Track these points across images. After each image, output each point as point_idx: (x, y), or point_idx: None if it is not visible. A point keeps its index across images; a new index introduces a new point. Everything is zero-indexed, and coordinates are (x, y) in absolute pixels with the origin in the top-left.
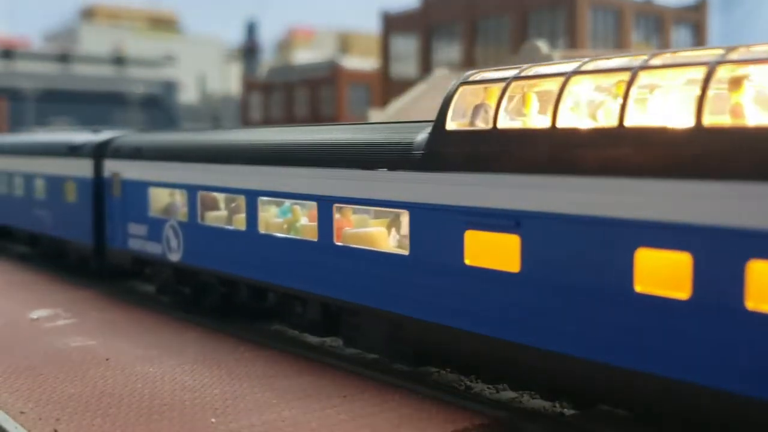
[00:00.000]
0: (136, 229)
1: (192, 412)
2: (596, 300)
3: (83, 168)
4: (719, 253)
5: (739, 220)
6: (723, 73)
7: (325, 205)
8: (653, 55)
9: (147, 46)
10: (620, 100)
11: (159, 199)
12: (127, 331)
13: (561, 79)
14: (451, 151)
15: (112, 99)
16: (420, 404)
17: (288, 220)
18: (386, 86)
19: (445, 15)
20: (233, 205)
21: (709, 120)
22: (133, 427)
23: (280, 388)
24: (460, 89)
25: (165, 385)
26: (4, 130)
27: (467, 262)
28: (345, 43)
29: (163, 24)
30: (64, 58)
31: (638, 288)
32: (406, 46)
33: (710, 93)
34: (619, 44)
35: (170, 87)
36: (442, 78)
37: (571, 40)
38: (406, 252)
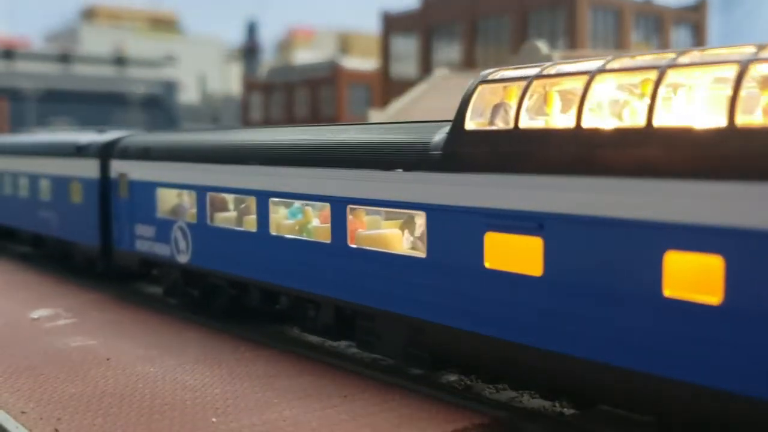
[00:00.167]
0: (143, 230)
1: (193, 411)
2: (623, 305)
3: (89, 168)
4: (753, 256)
5: None
6: (754, 71)
7: (339, 207)
8: (681, 53)
9: (147, 46)
10: (647, 100)
11: (167, 200)
12: (128, 330)
13: (585, 78)
14: (470, 151)
15: (112, 99)
16: (420, 404)
17: (299, 221)
18: (386, 86)
19: (445, 15)
20: (243, 206)
21: (741, 120)
22: (134, 426)
23: (280, 387)
24: (479, 88)
25: (166, 384)
26: (4, 130)
27: (487, 265)
28: (345, 43)
29: (164, 24)
30: (64, 58)
31: (667, 292)
32: (406, 46)
33: (742, 92)
34: (619, 44)
35: (171, 87)
36: (442, 78)
37: (571, 40)
38: (422, 254)
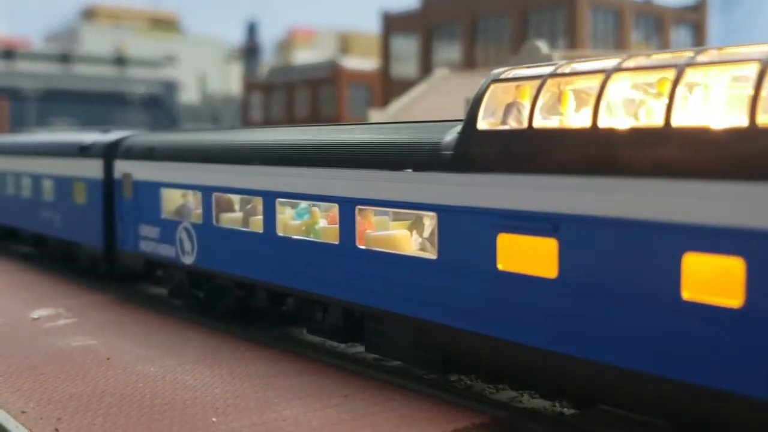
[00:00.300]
0: (147, 231)
1: (193, 411)
2: (640, 307)
3: (93, 168)
4: None
5: None
6: None
7: (347, 207)
8: (699, 52)
9: (148, 46)
10: (665, 99)
11: (172, 200)
12: (128, 330)
13: (601, 76)
14: (482, 151)
15: (112, 99)
16: (421, 404)
17: (306, 222)
18: (386, 86)
19: (445, 15)
20: (248, 206)
21: (763, 119)
22: (134, 426)
23: (281, 387)
24: (491, 87)
25: (166, 384)
26: (4, 130)
27: (500, 266)
28: (345, 43)
29: (164, 24)
30: (64, 58)
31: (686, 295)
32: (406, 47)
33: (763, 91)
34: (619, 44)
35: (171, 87)
36: (442, 78)
37: (571, 40)
38: (433, 256)
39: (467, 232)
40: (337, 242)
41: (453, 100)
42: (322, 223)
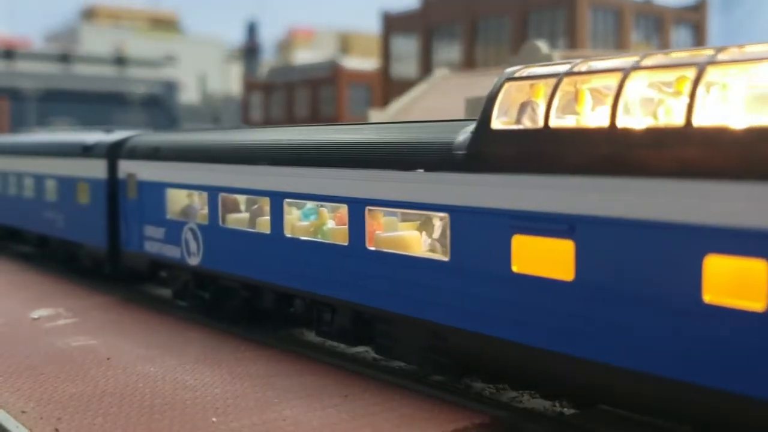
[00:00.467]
0: (152, 231)
1: (193, 411)
2: (660, 311)
3: (96, 169)
4: None
5: None
6: None
7: (357, 208)
8: (719, 50)
9: (148, 46)
10: (686, 98)
11: (177, 200)
12: (129, 330)
13: (619, 75)
14: (497, 151)
15: (112, 99)
16: (421, 404)
17: (314, 222)
18: (386, 86)
19: (445, 15)
20: (255, 207)
21: None
22: (134, 426)
23: (281, 387)
24: (506, 86)
25: (166, 384)
26: (5, 130)
27: (514, 269)
28: (345, 43)
29: (164, 24)
30: (64, 58)
31: (707, 298)
32: (406, 47)
33: None
34: (619, 44)
35: (171, 87)
36: (442, 78)
37: (571, 40)
38: (445, 258)
39: (480, 234)
40: (346, 243)
41: (453, 100)
42: (330, 223)
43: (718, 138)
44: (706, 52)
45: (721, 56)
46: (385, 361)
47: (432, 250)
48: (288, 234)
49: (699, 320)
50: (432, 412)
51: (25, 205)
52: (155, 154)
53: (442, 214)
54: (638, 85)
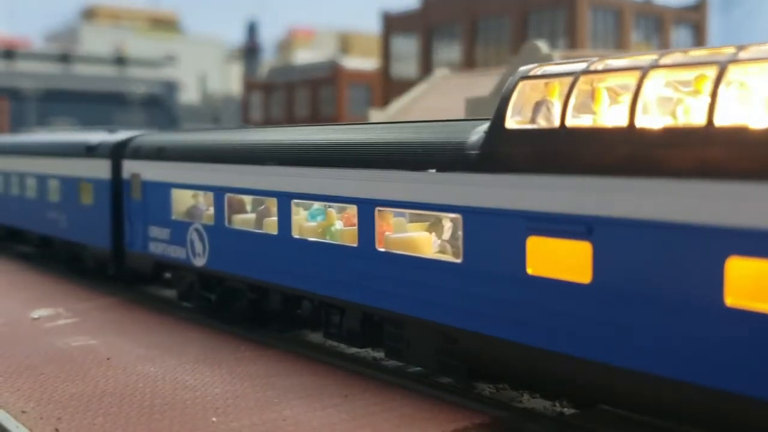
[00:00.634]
0: (157, 232)
1: (193, 411)
2: (680, 314)
3: (100, 169)
4: None
5: None
6: None
7: (367, 209)
8: (740, 48)
9: (148, 46)
10: (707, 97)
11: (182, 201)
12: (129, 330)
13: (638, 73)
14: (511, 151)
15: (113, 99)
16: (421, 404)
17: (322, 223)
18: (386, 86)
19: (445, 15)
20: (261, 207)
21: None
22: (134, 426)
23: (281, 387)
24: (520, 84)
25: (166, 384)
26: (5, 130)
27: (530, 271)
28: (345, 43)
29: (164, 24)
30: (65, 58)
31: (729, 301)
32: (406, 46)
33: None
34: (619, 44)
35: (171, 87)
36: (442, 78)
37: (571, 40)
38: (458, 259)
39: (494, 235)
40: (355, 244)
41: (453, 100)
42: (339, 224)
43: (741, 138)
44: (726, 51)
45: (742, 54)
46: (385, 361)
47: (442, 251)
48: (296, 235)
49: (721, 324)
50: (432, 412)
51: (28, 206)
52: (160, 154)
53: (454, 215)
54: (656, 84)
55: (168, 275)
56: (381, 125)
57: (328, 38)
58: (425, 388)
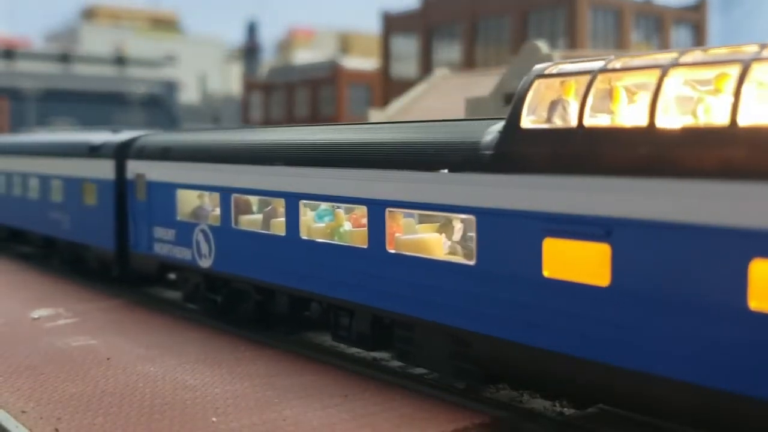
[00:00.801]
0: (162, 233)
1: (193, 411)
2: (702, 318)
3: (104, 169)
4: None
5: None
6: None
7: (377, 210)
8: (764, 47)
9: (148, 46)
10: (730, 96)
11: (188, 201)
12: (129, 330)
13: (657, 72)
14: (527, 151)
15: (113, 99)
16: (421, 403)
17: (330, 224)
18: (386, 86)
19: (445, 15)
20: (268, 208)
21: None
22: (134, 426)
23: (281, 387)
24: (536, 83)
25: (166, 384)
26: (4, 130)
27: (546, 273)
28: (345, 43)
29: (164, 24)
30: (64, 58)
31: (753, 304)
32: (406, 46)
33: None
34: (619, 44)
35: (171, 87)
36: (442, 78)
37: (571, 40)
38: (471, 261)
39: (509, 237)
40: (365, 246)
41: (453, 100)
42: (347, 225)
43: (765, 138)
44: (747, 49)
45: (766, 52)
46: (385, 361)
47: (452, 252)
48: (304, 236)
49: (745, 328)
50: (432, 412)
51: (30, 206)
52: (165, 154)
53: (466, 216)
54: (675, 83)
55: (172, 276)
56: (392, 125)
57: (328, 38)
58: (425, 388)
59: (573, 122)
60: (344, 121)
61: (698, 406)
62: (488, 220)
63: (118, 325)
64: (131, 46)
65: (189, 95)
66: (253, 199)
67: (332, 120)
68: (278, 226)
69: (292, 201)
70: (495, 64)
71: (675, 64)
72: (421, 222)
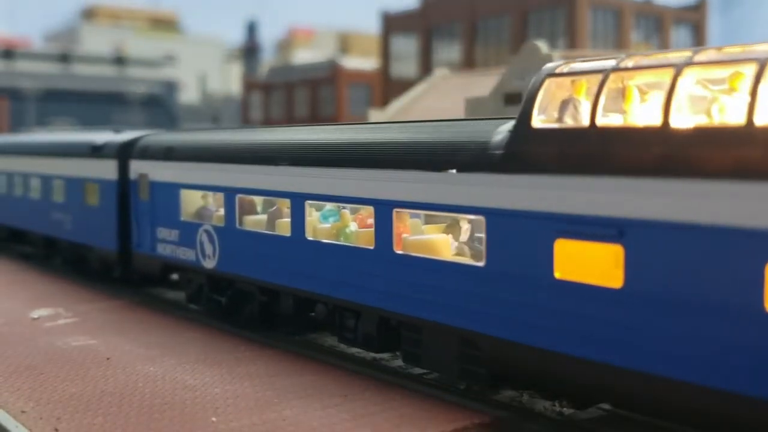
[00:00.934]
0: (165, 233)
1: (193, 411)
2: (716, 320)
3: (107, 169)
4: None
5: None
6: None
7: (384, 210)
8: None
9: (148, 46)
10: (744, 96)
11: (192, 202)
12: (129, 330)
13: (671, 71)
14: (538, 151)
15: (112, 99)
16: (421, 403)
17: (336, 225)
18: (386, 86)
19: (445, 15)
20: (273, 209)
21: None
22: (134, 426)
23: (281, 387)
24: (546, 82)
25: (166, 384)
26: (4, 130)
27: (557, 275)
28: (345, 43)
29: (164, 24)
30: (64, 58)
31: None
32: (406, 46)
33: None
34: (619, 44)
35: (171, 87)
36: (442, 78)
37: (571, 40)
38: (480, 263)
39: (520, 238)
40: (372, 247)
41: (453, 100)
42: (353, 226)
43: None
44: (762, 48)
45: None
46: (385, 361)
47: (459, 253)
48: (309, 237)
49: (760, 330)
50: (432, 412)
51: (32, 207)
52: (169, 154)
53: (476, 217)
54: (688, 82)
55: (175, 277)
56: (399, 124)
57: (328, 38)
58: (425, 388)
59: (585, 122)
60: (345, 121)
61: (715, 410)
62: (498, 221)
63: (118, 325)
64: (131, 46)
65: (189, 95)
66: (258, 200)
67: (332, 120)
68: (283, 226)
69: (298, 201)
70: (495, 64)
71: (689, 63)
72: (427, 222)
